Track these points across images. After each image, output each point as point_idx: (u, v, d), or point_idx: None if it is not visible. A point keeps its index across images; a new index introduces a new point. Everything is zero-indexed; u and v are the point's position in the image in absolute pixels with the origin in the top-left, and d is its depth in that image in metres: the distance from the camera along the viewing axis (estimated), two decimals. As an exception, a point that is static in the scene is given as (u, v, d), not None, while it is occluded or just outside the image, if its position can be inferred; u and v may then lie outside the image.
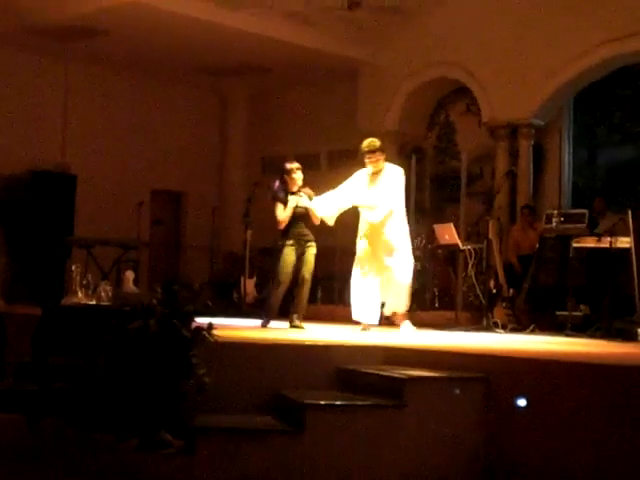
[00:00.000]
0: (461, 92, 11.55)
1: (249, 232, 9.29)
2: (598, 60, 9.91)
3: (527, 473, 4.43)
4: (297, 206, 7.13)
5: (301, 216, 7.17)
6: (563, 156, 10.67)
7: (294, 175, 7.23)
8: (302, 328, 7.08)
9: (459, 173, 11.16)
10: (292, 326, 7.14)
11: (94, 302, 5.09)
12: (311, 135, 12.86)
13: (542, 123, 10.57)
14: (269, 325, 7.24)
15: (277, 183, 7.32)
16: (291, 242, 7.15)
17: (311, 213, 7.13)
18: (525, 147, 10.60)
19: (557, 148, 10.66)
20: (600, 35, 9.73)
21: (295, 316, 7.17)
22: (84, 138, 12.29)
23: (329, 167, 12.38)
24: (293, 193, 7.20)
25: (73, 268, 5.34)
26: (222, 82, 13.31)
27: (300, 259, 7.15)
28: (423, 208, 11.56)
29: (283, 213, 7.16)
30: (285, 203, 7.17)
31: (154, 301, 4.41)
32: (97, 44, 11.34)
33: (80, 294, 5.10)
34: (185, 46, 11.39)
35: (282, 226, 7.20)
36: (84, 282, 5.14)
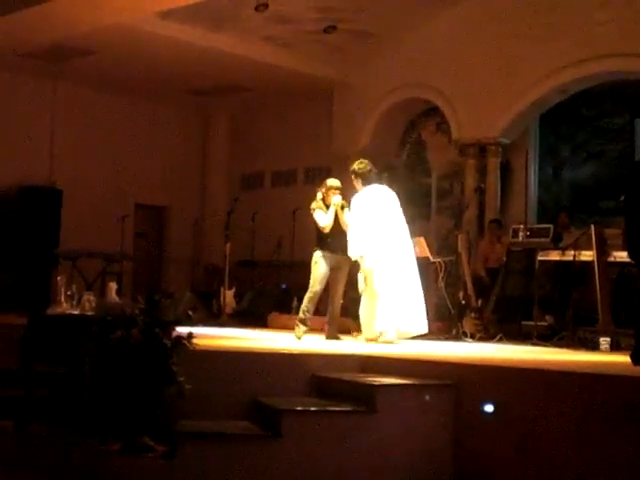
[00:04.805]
0: (432, 112, 11.79)
1: (228, 245, 9.45)
2: (560, 83, 10.22)
3: (495, 479, 4.58)
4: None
5: (335, 229, 7.32)
6: (529, 173, 10.89)
7: (331, 193, 7.41)
8: (338, 339, 7.23)
9: (430, 189, 11.41)
10: (327, 338, 7.32)
11: (78, 312, 5.17)
12: (289, 152, 13.10)
13: (509, 141, 10.83)
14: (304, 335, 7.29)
15: None
16: (324, 254, 7.30)
17: (342, 224, 7.33)
18: (493, 164, 10.84)
19: (523, 165, 10.87)
20: (561, 60, 10.05)
21: (328, 328, 7.32)
22: (70, 155, 12.44)
23: (305, 182, 12.63)
24: (328, 207, 7.40)
25: (58, 279, 5.41)
26: (204, 102, 13.50)
27: (334, 271, 7.29)
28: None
29: (326, 218, 7.33)
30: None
31: (136, 311, 4.53)
32: (84, 64, 11.49)
33: (65, 304, 5.17)
34: (169, 67, 11.58)
35: (327, 230, 7.35)
36: (69, 292, 5.21)
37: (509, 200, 10.91)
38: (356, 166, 7.38)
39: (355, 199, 7.36)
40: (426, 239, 9.04)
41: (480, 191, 10.44)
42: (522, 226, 8.46)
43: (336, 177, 12.02)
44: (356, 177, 7.38)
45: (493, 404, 4.68)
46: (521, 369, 4.97)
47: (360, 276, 7.26)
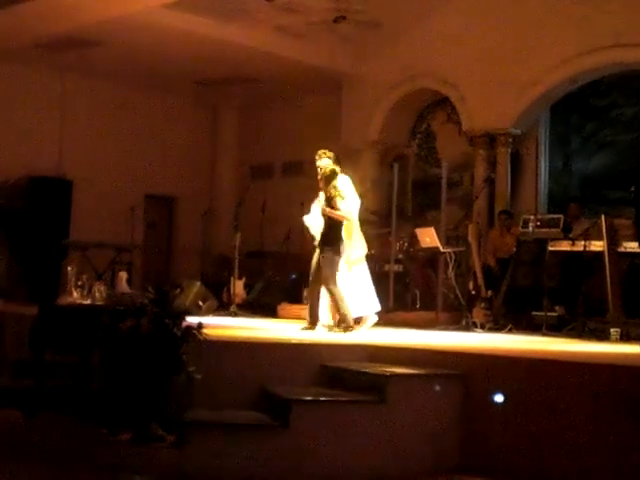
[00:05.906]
0: (442, 102, 11.75)
1: (238, 235, 9.48)
2: (570, 73, 10.17)
3: (502, 469, 4.58)
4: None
5: (325, 220, 7.18)
6: (539, 163, 10.88)
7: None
8: (336, 331, 7.09)
9: (440, 180, 11.37)
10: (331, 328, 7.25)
11: (89, 302, 5.18)
12: (298, 144, 13.05)
13: (519, 132, 10.78)
14: (316, 327, 7.16)
15: None
16: (314, 245, 7.26)
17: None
18: (503, 155, 10.80)
19: (534, 156, 10.87)
20: (571, 50, 10.00)
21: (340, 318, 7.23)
22: (80, 145, 12.50)
23: (312, 174, 12.59)
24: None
25: (69, 269, 5.42)
26: (213, 92, 13.51)
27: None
28: (405, 213, 11.75)
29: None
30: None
31: (146, 301, 4.56)
32: (92, 54, 11.51)
33: (75, 294, 5.18)
34: (177, 57, 11.58)
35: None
36: (79, 282, 5.23)
37: (519, 190, 10.89)
38: (332, 155, 7.59)
39: (347, 185, 7.44)
40: (436, 229, 9.02)
41: (490, 181, 10.41)
42: (532, 216, 8.43)
43: (347, 168, 12.03)
44: (337, 164, 7.49)
45: (502, 394, 4.68)
46: (531, 359, 4.97)
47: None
